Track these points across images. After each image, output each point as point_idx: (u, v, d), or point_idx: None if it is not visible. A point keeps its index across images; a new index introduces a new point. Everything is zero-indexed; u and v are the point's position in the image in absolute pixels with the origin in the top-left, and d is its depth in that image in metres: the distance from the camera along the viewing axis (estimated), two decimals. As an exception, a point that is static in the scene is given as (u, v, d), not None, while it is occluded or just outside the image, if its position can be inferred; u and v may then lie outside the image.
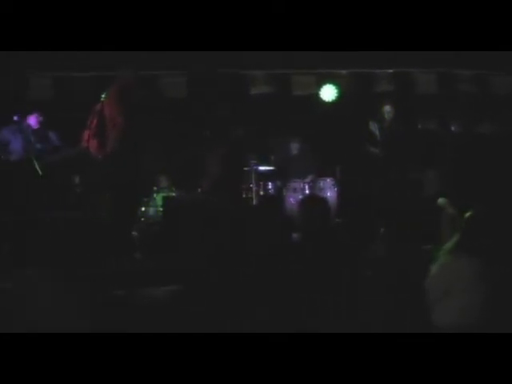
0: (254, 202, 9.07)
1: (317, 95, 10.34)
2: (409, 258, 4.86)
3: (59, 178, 8.47)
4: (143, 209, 8.66)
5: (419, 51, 5.65)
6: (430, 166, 8.64)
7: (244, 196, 9.18)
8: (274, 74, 10.16)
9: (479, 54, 7.41)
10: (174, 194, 9.07)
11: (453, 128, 9.36)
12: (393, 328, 4.06)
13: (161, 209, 8.53)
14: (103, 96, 6.91)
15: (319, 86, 10.33)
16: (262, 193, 9.31)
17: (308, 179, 9.40)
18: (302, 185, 9.28)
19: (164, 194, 8.96)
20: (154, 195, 8.95)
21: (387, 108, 9.39)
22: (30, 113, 8.55)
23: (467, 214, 4.48)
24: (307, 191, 9.18)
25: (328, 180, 9.40)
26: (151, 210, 8.83)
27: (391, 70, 10.33)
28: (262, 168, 9.48)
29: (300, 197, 8.59)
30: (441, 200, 5.13)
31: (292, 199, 9.03)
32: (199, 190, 8.92)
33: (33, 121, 8.53)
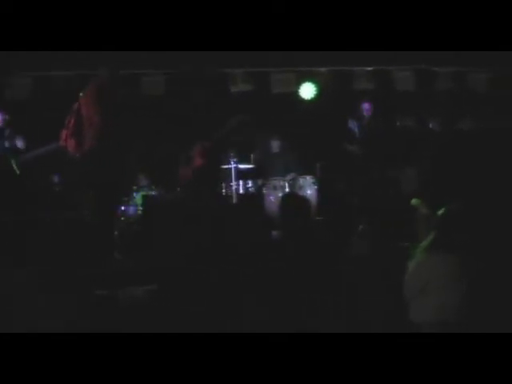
0: (234, 200, 9.06)
1: (296, 93, 10.35)
2: (388, 256, 4.88)
3: (37, 177, 8.42)
4: (123, 208, 8.62)
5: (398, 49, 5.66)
6: (408, 163, 8.68)
7: (224, 194, 9.17)
8: (253, 72, 10.16)
9: (458, 52, 7.45)
10: (153, 193, 9.04)
11: (431, 125, 9.42)
12: (376, 327, 4.09)
13: (141, 208, 8.50)
14: (80, 95, 6.87)
15: (298, 84, 10.35)
16: (241, 191, 9.30)
17: (288, 177, 9.40)
18: (281, 183, 9.28)
19: (144, 193, 8.93)
20: (134, 194, 8.92)
21: (366, 105, 9.44)
22: None
23: (440, 212, 4.51)
24: (287, 189, 9.18)
25: (308, 178, 9.40)
26: (131, 209, 8.79)
27: (370, 68, 10.36)
28: (241, 166, 9.47)
29: (280, 195, 8.60)
30: (414, 200, 5.16)
31: (272, 197, 9.03)
32: (179, 188, 8.90)
33: None
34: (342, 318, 4.18)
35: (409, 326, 4.24)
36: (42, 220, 5.91)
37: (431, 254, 4.38)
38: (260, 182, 9.48)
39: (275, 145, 9.94)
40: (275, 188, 9.23)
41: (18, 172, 8.09)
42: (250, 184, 9.42)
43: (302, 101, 10.39)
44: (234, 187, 9.14)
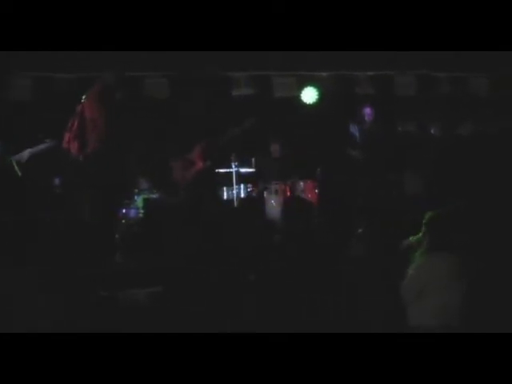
0: (236, 203, 9.07)
1: (298, 97, 10.37)
2: (388, 256, 4.89)
3: (38, 178, 8.42)
4: (124, 210, 8.63)
5: (399, 53, 5.67)
6: (408, 167, 8.69)
7: (225, 198, 9.19)
8: (255, 75, 10.18)
9: (458, 56, 7.47)
10: (154, 196, 9.05)
11: (432, 130, 9.43)
12: (375, 327, 4.09)
13: (142, 211, 8.52)
14: (84, 97, 6.89)
15: (300, 88, 10.37)
16: (243, 195, 9.31)
17: (289, 181, 9.41)
18: (283, 186, 9.29)
19: (145, 196, 8.94)
20: (135, 197, 8.93)
21: (367, 110, 9.45)
22: None
23: (428, 215, 4.52)
24: (288, 193, 9.19)
25: (309, 181, 9.41)
26: (132, 212, 8.80)
27: (371, 73, 10.39)
28: (243, 170, 9.48)
29: (281, 199, 8.61)
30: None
31: (273, 201, 9.03)
32: (180, 191, 8.91)
33: None
34: (342, 318, 4.18)
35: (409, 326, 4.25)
36: (42, 220, 5.92)
37: (429, 256, 4.39)
38: (261, 185, 9.49)
39: (276, 148, 9.96)
40: (276, 192, 9.24)
41: (19, 173, 8.09)
42: (251, 188, 9.45)
43: (304, 105, 10.41)
44: (235, 191, 9.17)
